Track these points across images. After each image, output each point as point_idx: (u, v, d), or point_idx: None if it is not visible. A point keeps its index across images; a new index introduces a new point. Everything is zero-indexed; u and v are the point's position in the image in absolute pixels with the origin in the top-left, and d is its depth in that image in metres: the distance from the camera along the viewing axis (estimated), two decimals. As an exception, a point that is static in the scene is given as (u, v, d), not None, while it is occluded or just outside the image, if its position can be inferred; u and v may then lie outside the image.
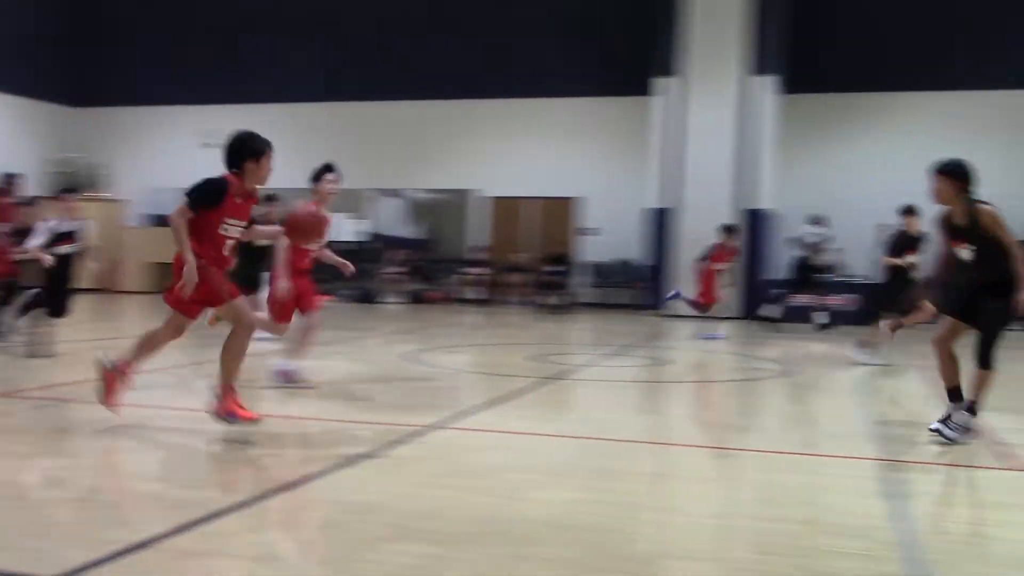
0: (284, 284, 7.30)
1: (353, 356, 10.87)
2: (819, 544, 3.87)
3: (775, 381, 9.78)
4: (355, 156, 22.97)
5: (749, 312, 17.88)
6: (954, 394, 6.17)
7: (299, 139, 23.50)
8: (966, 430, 5.99)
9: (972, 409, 6.03)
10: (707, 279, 14.44)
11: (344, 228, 22.93)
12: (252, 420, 5.52)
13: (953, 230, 6.13)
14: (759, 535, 4.06)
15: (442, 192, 22.53)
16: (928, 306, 7.51)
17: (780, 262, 19.00)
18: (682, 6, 18.63)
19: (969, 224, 6.02)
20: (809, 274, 15.95)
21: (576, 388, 8.96)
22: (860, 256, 17.81)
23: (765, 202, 18.46)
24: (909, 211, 10.72)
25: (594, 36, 21.03)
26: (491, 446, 5.77)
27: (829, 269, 16.57)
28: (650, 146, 19.34)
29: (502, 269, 21.46)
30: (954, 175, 6.09)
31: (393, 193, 22.89)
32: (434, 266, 21.87)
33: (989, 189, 17.76)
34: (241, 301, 5.68)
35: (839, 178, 19.82)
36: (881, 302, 11.03)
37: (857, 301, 17.24)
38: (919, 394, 9.26)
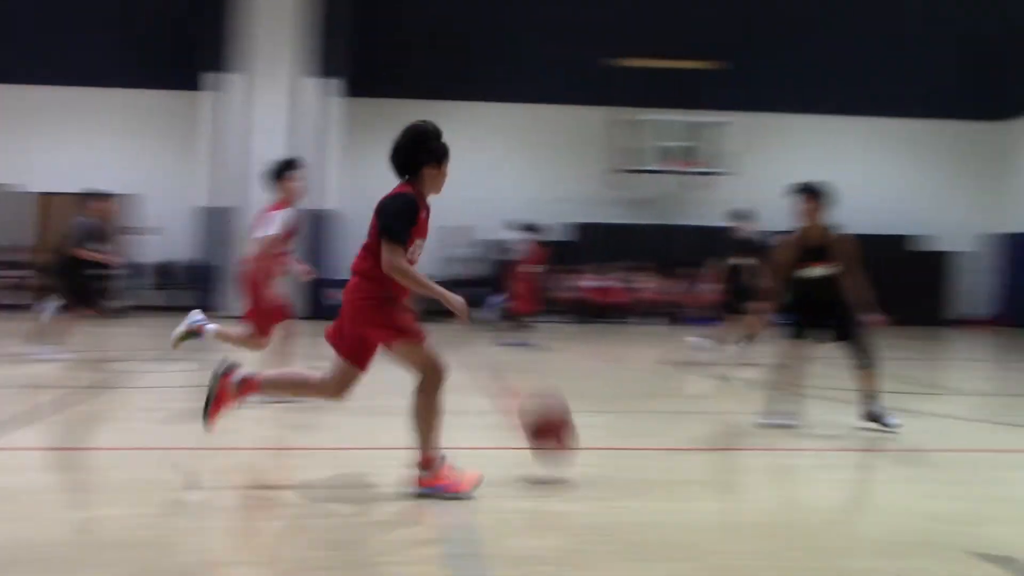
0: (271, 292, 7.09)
1: None
2: (386, 537, 3.90)
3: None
4: None
5: (314, 312, 17.89)
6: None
7: None
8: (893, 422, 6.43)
9: (875, 398, 6.48)
10: (525, 284, 13.44)
11: None
12: (473, 485, 4.50)
13: (807, 250, 6.42)
14: (326, 532, 3.99)
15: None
16: (763, 319, 7.61)
17: (343, 262, 19.27)
18: (236, 3, 18.17)
19: (826, 245, 6.37)
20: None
21: (129, 396, 8.33)
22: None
23: (330, 202, 18.59)
24: (740, 216, 10.92)
25: (141, 25, 19.80)
26: (20, 467, 5.12)
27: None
28: (201, 143, 18.59)
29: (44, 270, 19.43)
30: (820, 197, 6.41)
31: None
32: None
33: (537, 194, 18.81)
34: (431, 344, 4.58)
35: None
36: (727, 305, 10.89)
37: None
38: (469, 385, 9.83)
